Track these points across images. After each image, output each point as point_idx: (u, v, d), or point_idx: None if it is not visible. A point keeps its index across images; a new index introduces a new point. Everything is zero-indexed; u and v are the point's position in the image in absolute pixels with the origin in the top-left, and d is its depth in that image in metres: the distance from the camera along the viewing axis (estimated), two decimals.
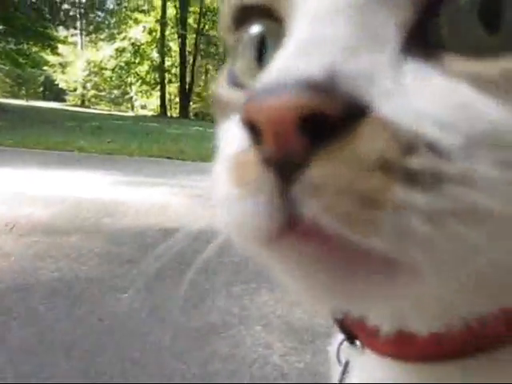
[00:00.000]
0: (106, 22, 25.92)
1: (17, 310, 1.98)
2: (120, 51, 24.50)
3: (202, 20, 23.69)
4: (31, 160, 5.62)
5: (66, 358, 1.66)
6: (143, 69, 24.83)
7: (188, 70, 23.46)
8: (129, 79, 25.67)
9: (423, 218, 0.22)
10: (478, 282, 0.26)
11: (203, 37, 23.87)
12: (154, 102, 25.80)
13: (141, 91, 25.97)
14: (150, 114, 23.85)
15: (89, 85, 26.57)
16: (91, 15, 25.71)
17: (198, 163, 5.58)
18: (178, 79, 23.61)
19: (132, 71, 24.97)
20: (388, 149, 0.22)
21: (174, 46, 24.12)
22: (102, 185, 4.43)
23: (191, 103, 24.58)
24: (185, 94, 22.71)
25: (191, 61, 23.77)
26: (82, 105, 25.63)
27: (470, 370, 0.31)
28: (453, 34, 0.25)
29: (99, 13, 26.00)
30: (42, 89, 30.97)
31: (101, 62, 25.37)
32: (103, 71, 25.70)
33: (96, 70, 25.88)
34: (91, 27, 26.55)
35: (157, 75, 24.65)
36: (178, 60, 23.44)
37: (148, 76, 25.09)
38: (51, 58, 22.76)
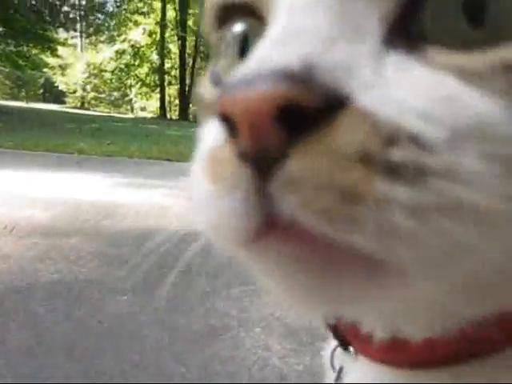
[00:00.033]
0: (106, 24, 25.95)
1: (16, 311, 1.98)
2: (120, 53, 24.51)
3: (202, 22, 23.64)
4: (31, 162, 5.62)
5: (66, 359, 1.66)
6: (143, 71, 24.85)
7: (188, 72, 23.47)
8: (128, 81, 25.68)
9: (406, 212, 0.21)
10: (472, 285, 0.25)
11: (203, 39, 23.83)
12: (153, 104, 25.81)
13: (140, 93, 25.98)
14: (149, 116, 23.86)
15: (88, 87, 26.57)
16: (91, 17, 25.76)
17: None
18: (178, 81, 23.61)
19: (132, 73, 24.98)
20: (368, 141, 0.21)
21: (174, 48, 24.15)
22: (102, 187, 4.43)
23: (191, 105, 24.56)
24: (184, 96, 22.71)
25: (191, 63, 23.77)
26: (82, 107, 25.63)
27: (463, 377, 0.30)
28: (437, 27, 0.24)
29: (99, 15, 26.07)
30: (41, 91, 31.00)
31: (101, 64, 25.37)
32: (103, 73, 25.71)
33: (96, 72, 25.89)
34: (91, 29, 26.58)
35: (156, 77, 24.67)
36: (178, 62, 23.45)
37: (148, 78, 25.10)
38: (51, 60, 22.77)
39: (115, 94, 27.29)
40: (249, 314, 2.05)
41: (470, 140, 0.22)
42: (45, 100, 28.64)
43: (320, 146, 0.21)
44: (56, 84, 27.06)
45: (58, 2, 21.02)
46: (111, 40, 25.18)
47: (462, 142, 0.22)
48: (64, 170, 5.27)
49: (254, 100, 0.21)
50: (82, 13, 24.97)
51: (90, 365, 1.64)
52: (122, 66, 24.85)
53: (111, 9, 26.07)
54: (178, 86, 23.59)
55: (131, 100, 27.31)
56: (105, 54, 25.11)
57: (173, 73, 25.17)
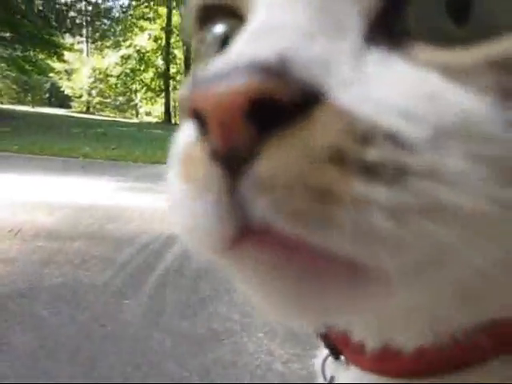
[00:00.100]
0: (112, 30, 26.09)
1: (20, 314, 1.99)
2: (125, 58, 24.64)
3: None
4: (36, 166, 5.65)
5: (69, 362, 1.66)
6: (148, 76, 24.95)
7: None
8: (134, 86, 25.79)
9: (385, 213, 0.20)
10: (460, 292, 0.25)
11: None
12: (158, 109, 25.88)
13: (146, 98, 26.07)
14: (154, 120, 23.93)
15: (94, 91, 26.71)
16: (97, 23, 25.90)
17: None
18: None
19: (137, 78, 25.09)
20: (342, 138, 0.20)
21: (179, 53, 24.23)
22: (107, 191, 4.45)
23: None
24: None
25: None
26: (87, 111, 25.75)
27: None
28: (420, 24, 0.23)
29: (105, 20, 26.20)
30: (47, 95, 31.15)
31: (106, 69, 25.52)
32: (108, 78, 25.84)
33: (101, 76, 26.03)
34: (97, 35, 26.73)
35: (161, 82, 24.75)
36: (183, 67, 23.54)
37: (153, 83, 25.20)
38: (57, 65, 22.95)
39: (120, 98, 27.40)
40: (251, 318, 2.05)
41: (455, 138, 0.21)
42: (50, 104, 28.77)
43: (291, 144, 0.20)
44: (62, 89, 27.21)
45: (64, 8, 21.20)
46: (117, 45, 25.31)
47: (446, 140, 0.21)
48: (69, 174, 5.30)
49: (225, 94, 0.20)
50: (88, 18, 25.13)
51: (94, 368, 1.64)
52: (128, 71, 24.97)
53: (117, 14, 26.24)
54: None
55: (136, 105, 27.42)
56: (110, 59, 25.25)
57: (178, 78, 25.24)
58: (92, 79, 26.20)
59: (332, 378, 0.38)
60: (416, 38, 0.23)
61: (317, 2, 0.23)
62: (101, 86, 26.44)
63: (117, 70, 25.20)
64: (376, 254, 0.20)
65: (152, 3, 23.66)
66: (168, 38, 23.15)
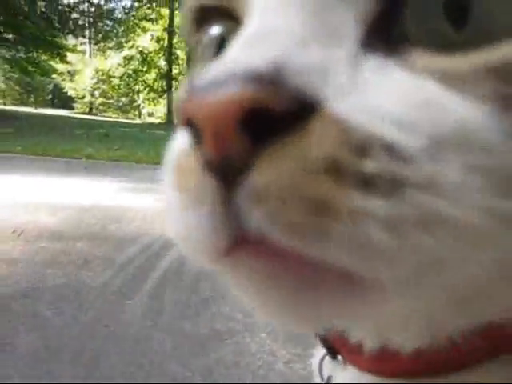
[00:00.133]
0: (114, 31, 26.17)
1: (24, 315, 1.99)
2: (128, 59, 24.68)
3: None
4: (39, 167, 5.67)
5: (72, 362, 1.67)
6: (151, 77, 24.99)
7: None
8: (136, 87, 25.83)
9: (382, 226, 0.19)
10: (458, 299, 0.25)
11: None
12: (161, 110, 25.92)
13: (148, 99, 26.11)
14: (157, 121, 23.95)
15: (97, 92, 26.76)
16: (100, 24, 26.00)
17: None
18: None
19: (140, 79, 25.13)
20: (338, 149, 0.19)
21: (182, 54, 24.24)
22: (109, 191, 4.46)
23: None
24: None
25: None
26: (90, 112, 25.81)
27: None
28: (417, 29, 0.23)
29: (108, 22, 26.30)
30: (50, 96, 31.23)
31: (109, 70, 25.56)
32: (111, 79, 25.89)
33: (104, 77, 26.07)
34: (100, 36, 26.83)
35: (164, 83, 24.78)
36: (186, 68, 23.56)
37: (155, 84, 25.24)
38: (60, 66, 22.99)
39: (123, 99, 27.46)
40: (254, 318, 2.05)
41: (452, 148, 0.20)
42: (53, 105, 28.86)
43: (287, 155, 0.20)
44: (65, 90, 27.27)
45: (67, 9, 21.27)
46: (119, 46, 25.37)
47: (443, 150, 0.20)
48: (72, 174, 5.31)
49: (219, 103, 0.20)
50: (91, 19, 25.23)
51: (97, 368, 1.65)
52: (130, 72, 25.01)
53: (119, 15, 26.32)
54: None
55: (139, 105, 27.46)
56: (113, 60, 25.30)
57: (180, 78, 25.28)
58: (95, 80, 26.25)
59: (329, 377, 0.38)
60: (414, 43, 0.22)
61: (311, 7, 0.23)
62: (103, 87, 26.49)
63: (119, 71, 25.25)
64: (373, 267, 0.20)
65: (154, 4, 23.73)
66: (170, 39, 23.17)
